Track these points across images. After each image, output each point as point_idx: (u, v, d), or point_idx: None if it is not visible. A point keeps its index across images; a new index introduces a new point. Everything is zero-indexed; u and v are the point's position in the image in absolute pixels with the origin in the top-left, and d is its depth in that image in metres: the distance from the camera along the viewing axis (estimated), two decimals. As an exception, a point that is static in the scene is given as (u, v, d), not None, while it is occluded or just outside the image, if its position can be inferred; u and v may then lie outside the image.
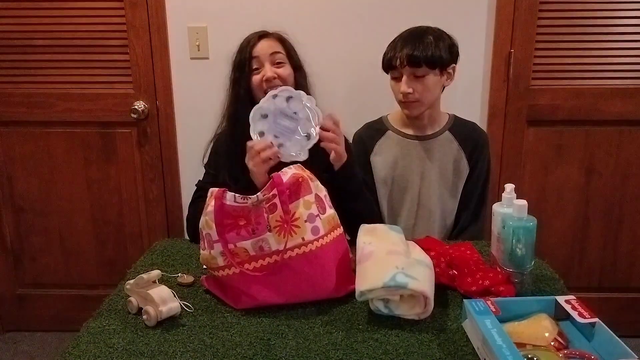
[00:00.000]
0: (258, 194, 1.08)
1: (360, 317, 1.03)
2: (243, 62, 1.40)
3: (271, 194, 1.06)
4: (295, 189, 1.08)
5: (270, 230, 1.05)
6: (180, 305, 1.03)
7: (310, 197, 1.09)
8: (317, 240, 1.07)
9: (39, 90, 2.03)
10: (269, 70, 1.39)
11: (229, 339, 0.96)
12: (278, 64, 1.41)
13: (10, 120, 2.06)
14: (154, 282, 1.05)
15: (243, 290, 1.07)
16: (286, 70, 1.42)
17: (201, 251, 1.12)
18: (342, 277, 1.10)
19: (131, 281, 1.07)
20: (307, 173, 1.13)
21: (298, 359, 0.90)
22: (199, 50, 1.97)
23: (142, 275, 1.03)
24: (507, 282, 1.06)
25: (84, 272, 2.23)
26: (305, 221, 1.06)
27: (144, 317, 1.01)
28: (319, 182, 1.14)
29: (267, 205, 1.07)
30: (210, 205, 1.08)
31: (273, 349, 0.92)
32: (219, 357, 0.91)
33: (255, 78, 1.41)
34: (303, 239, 1.05)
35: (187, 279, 1.17)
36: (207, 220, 1.08)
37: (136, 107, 2.00)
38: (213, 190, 1.10)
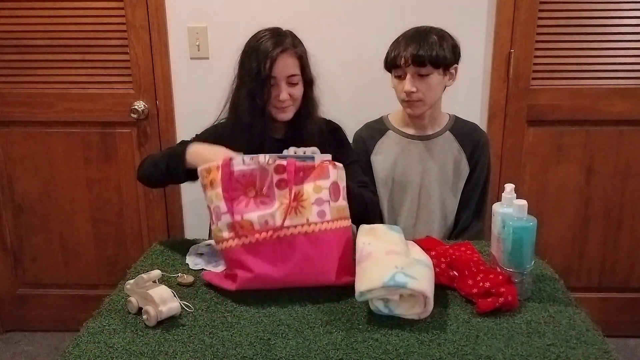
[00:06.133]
0: (269, 156, 1.12)
1: (360, 317, 1.03)
2: (262, 78, 1.38)
3: (281, 167, 1.12)
4: (308, 172, 1.13)
5: (276, 199, 1.11)
6: (180, 305, 1.03)
7: (324, 183, 1.12)
8: (321, 223, 1.10)
9: (39, 90, 2.03)
10: (284, 92, 1.40)
11: (229, 339, 0.96)
12: (293, 85, 1.43)
13: (10, 120, 2.06)
14: (154, 282, 1.05)
15: (242, 263, 1.09)
16: (299, 90, 1.45)
17: (212, 227, 1.16)
18: (344, 265, 1.12)
19: (131, 281, 1.07)
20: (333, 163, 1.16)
21: (298, 359, 0.90)
22: (199, 50, 1.97)
23: (142, 275, 1.03)
24: (508, 283, 1.06)
25: (84, 272, 2.23)
26: (313, 204, 1.10)
27: (144, 317, 1.01)
28: (344, 172, 1.18)
29: (277, 180, 1.11)
30: (218, 176, 1.11)
31: (273, 349, 0.92)
32: (219, 357, 0.91)
33: (270, 93, 1.42)
34: (307, 219, 1.09)
35: (187, 279, 1.17)
36: (216, 193, 1.11)
37: (136, 107, 1.99)
38: (218, 163, 1.13)
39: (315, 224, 1.10)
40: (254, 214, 1.10)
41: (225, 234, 1.11)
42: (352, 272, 1.08)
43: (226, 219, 1.11)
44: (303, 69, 1.44)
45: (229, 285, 1.12)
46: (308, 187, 1.12)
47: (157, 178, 1.39)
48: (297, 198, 1.11)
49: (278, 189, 1.12)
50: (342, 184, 1.17)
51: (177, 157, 1.30)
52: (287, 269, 1.09)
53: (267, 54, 1.38)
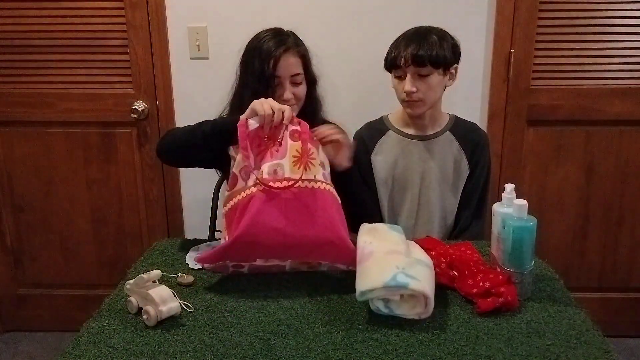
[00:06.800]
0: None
1: (360, 317, 1.03)
2: (266, 77, 1.39)
3: (295, 120, 1.19)
4: (312, 137, 1.20)
5: (287, 149, 1.15)
6: (180, 305, 1.03)
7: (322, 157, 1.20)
8: (326, 184, 1.15)
9: (39, 90, 2.03)
10: (287, 92, 1.42)
11: (229, 339, 0.96)
12: (296, 84, 1.44)
13: (10, 120, 2.06)
14: (154, 282, 1.05)
15: (246, 207, 1.10)
16: (302, 89, 1.46)
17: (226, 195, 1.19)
18: (343, 225, 1.15)
19: (131, 281, 1.07)
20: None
21: (298, 359, 0.90)
22: (199, 50, 1.97)
23: (142, 275, 1.03)
24: (508, 283, 1.06)
25: (84, 272, 2.23)
26: (319, 164, 1.16)
27: (144, 317, 1.01)
28: (327, 161, 1.23)
29: (291, 130, 1.17)
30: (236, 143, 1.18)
31: (273, 349, 0.92)
32: (219, 357, 0.91)
33: (274, 92, 1.43)
34: (315, 176, 1.14)
35: (187, 279, 1.17)
36: (240, 157, 1.17)
37: (136, 107, 1.99)
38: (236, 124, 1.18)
39: (322, 182, 1.15)
40: (265, 164, 1.14)
41: (240, 186, 1.16)
42: (347, 232, 1.14)
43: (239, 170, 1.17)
44: (306, 68, 1.45)
45: (225, 245, 1.11)
46: (318, 149, 1.19)
47: (189, 143, 1.34)
48: (309, 155, 1.15)
49: (291, 140, 1.16)
50: (326, 170, 1.21)
51: (226, 121, 1.31)
52: (290, 217, 1.10)
53: (271, 54, 1.38)
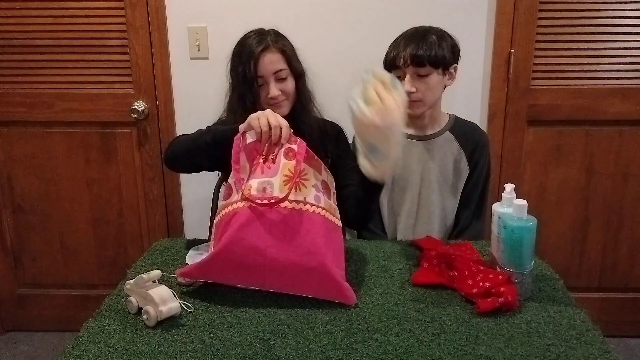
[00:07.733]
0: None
1: (360, 317, 1.03)
2: (248, 79, 1.39)
3: (293, 139, 1.15)
4: (312, 157, 1.15)
5: (280, 168, 1.10)
6: (180, 305, 1.03)
7: (321, 177, 1.15)
8: (316, 207, 1.10)
9: (39, 90, 2.03)
10: (274, 89, 1.41)
11: (229, 339, 0.96)
12: (281, 80, 1.43)
13: (10, 120, 2.06)
14: (154, 282, 1.05)
15: (229, 223, 1.07)
16: (289, 84, 1.44)
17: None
18: (331, 253, 1.08)
19: (131, 281, 1.07)
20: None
21: (298, 359, 0.90)
22: (199, 50, 1.97)
23: (142, 275, 1.03)
24: (508, 283, 1.06)
25: (84, 272, 2.23)
26: (312, 186, 1.11)
27: (144, 317, 1.01)
28: (333, 181, 1.19)
29: (286, 148, 1.13)
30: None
31: (273, 349, 0.92)
32: (219, 357, 0.91)
33: (261, 93, 1.43)
34: (304, 198, 1.09)
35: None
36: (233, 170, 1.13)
37: (136, 107, 1.99)
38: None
39: (311, 205, 1.09)
40: (254, 180, 1.10)
41: (235, 198, 1.12)
42: (341, 266, 1.09)
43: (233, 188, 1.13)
44: (289, 63, 1.44)
45: (205, 260, 1.08)
46: (311, 170, 1.14)
47: (193, 152, 1.35)
48: (301, 175, 1.11)
49: (285, 158, 1.12)
50: (332, 189, 1.18)
51: (225, 130, 1.28)
52: (271, 240, 1.05)
53: (251, 55, 1.39)
